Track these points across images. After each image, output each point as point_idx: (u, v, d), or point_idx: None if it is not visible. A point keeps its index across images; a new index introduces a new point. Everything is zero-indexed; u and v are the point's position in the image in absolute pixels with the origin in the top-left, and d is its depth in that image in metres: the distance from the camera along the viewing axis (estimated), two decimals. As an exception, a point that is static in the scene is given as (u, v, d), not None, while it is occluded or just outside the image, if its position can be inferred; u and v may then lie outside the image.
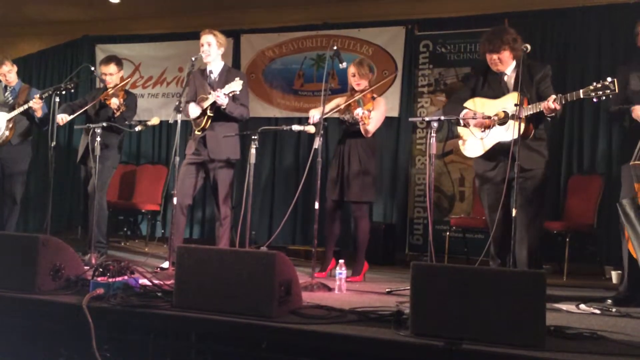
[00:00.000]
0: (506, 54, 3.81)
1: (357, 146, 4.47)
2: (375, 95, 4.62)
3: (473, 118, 3.87)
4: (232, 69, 5.24)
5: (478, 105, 3.89)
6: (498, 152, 3.79)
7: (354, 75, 4.50)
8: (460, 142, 4.06)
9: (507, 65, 3.86)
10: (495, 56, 3.81)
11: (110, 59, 5.20)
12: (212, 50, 4.64)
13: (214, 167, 4.63)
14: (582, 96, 3.42)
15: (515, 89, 3.72)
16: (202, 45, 4.64)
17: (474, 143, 3.93)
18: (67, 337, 2.89)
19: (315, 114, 4.40)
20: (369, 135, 4.43)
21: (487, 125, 3.83)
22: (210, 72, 4.71)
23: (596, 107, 5.51)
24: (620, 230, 3.55)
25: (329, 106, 4.52)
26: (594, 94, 3.37)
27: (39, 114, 5.21)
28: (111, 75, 5.10)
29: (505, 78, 3.88)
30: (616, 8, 5.75)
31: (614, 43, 5.71)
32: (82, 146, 5.13)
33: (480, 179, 4.02)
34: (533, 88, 3.77)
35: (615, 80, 3.33)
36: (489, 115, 3.80)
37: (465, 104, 3.95)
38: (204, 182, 4.79)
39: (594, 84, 3.40)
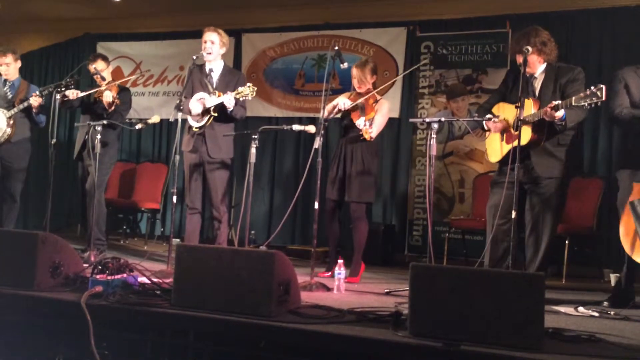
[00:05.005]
0: (533, 57, 3.73)
1: (360, 146, 4.43)
2: (378, 98, 4.55)
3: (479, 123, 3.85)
4: (232, 69, 5.20)
5: (501, 110, 3.86)
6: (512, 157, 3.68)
7: (355, 79, 4.49)
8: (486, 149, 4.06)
9: (535, 68, 3.79)
10: (521, 57, 3.74)
11: (96, 57, 5.29)
12: (215, 49, 4.56)
13: (211, 166, 4.59)
14: (574, 103, 3.38)
15: (541, 92, 3.69)
16: (205, 42, 4.55)
17: (494, 149, 3.93)
18: (66, 335, 2.89)
19: (345, 102, 4.39)
20: (372, 139, 4.39)
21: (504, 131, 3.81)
22: (211, 70, 4.65)
23: (596, 109, 5.50)
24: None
25: (332, 104, 4.49)
26: (583, 102, 3.33)
27: (37, 110, 5.19)
28: (102, 70, 5.13)
29: (534, 82, 3.82)
30: (617, 11, 5.75)
31: (615, 46, 5.71)
32: (79, 142, 5.13)
33: (492, 183, 3.97)
34: (557, 93, 3.70)
35: (603, 87, 3.25)
36: (490, 118, 3.80)
37: (493, 109, 3.92)
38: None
39: (585, 91, 3.34)
